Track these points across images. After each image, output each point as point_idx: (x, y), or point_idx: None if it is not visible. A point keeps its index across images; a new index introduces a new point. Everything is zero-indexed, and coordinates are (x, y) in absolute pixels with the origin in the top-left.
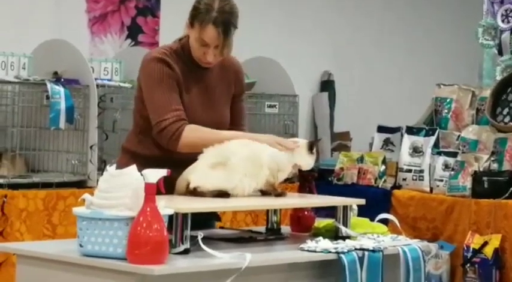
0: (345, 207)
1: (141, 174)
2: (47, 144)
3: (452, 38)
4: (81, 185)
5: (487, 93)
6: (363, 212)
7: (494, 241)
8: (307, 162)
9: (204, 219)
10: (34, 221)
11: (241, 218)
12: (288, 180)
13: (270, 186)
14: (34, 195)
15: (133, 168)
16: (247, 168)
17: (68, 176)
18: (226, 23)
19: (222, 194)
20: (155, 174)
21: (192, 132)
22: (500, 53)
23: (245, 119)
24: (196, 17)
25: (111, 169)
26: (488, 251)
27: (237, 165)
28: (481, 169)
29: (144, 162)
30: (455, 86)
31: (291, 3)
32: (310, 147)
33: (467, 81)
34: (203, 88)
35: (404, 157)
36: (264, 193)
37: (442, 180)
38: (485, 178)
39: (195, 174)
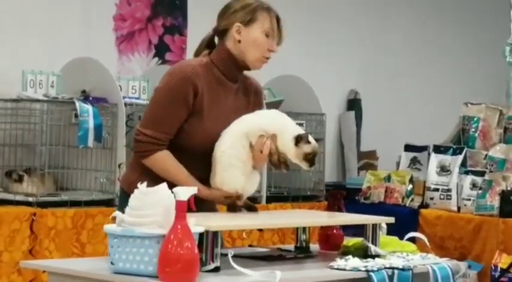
0: (374, 226)
1: (172, 192)
2: (75, 162)
3: (480, 56)
4: (110, 203)
5: None
6: (390, 231)
7: None
8: (289, 151)
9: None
10: (63, 239)
11: (268, 237)
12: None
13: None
14: (63, 214)
15: (163, 186)
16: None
17: (96, 194)
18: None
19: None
20: (186, 192)
21: (153, 162)
22: None
23: None
24: (255, 13)
25: (142, 187)
26: None
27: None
28: (509, 188)
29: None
30: (483, 104)
31: (318, 22)
32: (296, 141)
33: (494, 100)
34: (227, 103)
35: (432, 176)
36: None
37: (469, 200)
38: None
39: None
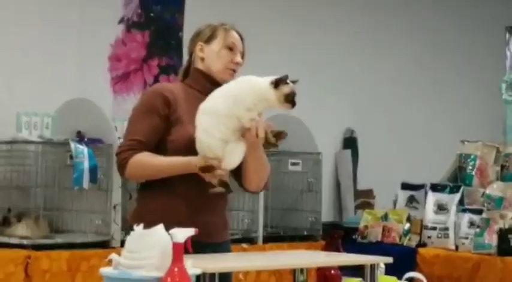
0: (373, 266)
1: (169, 234)
2: (70, 204)
3: (476, 94)
4: (105, 245)
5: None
6: (388, 270)
7: None
8: (270, 96)
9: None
10: None
11: (265, 278)
12: None
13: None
14: (58, 256)
15: (160, 227)
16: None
17: (91, 236)
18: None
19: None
20: (183, 234)
21: (134, 165)
22: None
23: None
24: (215, 31)
25: (138, 229)
26: None
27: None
28: (507, 226)
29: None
30: (480, 142)
31: (313, 61)
32: (276, 84)
33: (491, 138)
34: None
35: (429, 215)
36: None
37: (467, 238)
38: (510, 236)
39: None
